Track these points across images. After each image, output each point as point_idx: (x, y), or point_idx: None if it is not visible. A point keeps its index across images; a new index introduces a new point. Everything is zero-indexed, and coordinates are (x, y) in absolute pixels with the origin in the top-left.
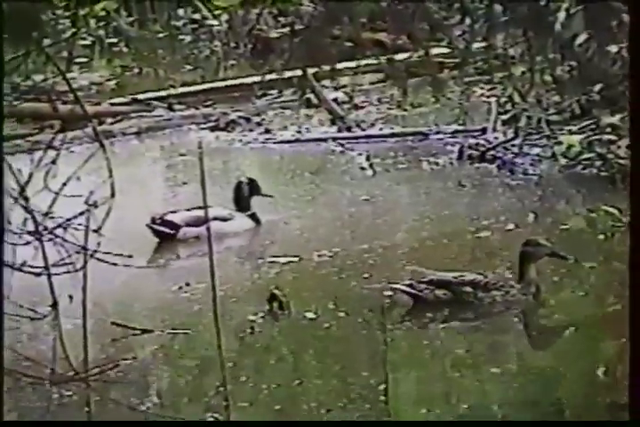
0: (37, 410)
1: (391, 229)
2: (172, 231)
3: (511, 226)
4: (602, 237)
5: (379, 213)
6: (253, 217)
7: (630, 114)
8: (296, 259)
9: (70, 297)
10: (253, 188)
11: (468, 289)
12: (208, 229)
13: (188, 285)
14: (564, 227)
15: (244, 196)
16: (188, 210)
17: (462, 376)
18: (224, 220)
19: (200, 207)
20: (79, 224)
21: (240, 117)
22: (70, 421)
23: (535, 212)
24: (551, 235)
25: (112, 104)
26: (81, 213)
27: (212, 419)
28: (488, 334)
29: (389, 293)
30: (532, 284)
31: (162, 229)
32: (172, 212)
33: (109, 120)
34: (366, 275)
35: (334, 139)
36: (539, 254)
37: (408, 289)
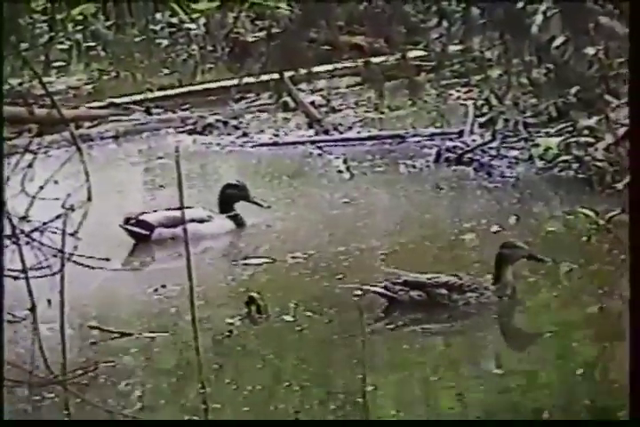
0: (18, 413)
1: (369, 231)
2: (145, 232)
3: (495, 228)
4: (580, 238)
5: (357, 216)
6: (236, 219)
7: (630, 114)
8: (270, 261)
9: (49, 301)
10: (240, 193)
11: (443, 291)
12: (184, 230)
13: (164, 287)
14: (546, 229)
15: (229, 199)
16: (165, 211)
17: (440, 378)
18: (201, 221)
19: (177, 209)
20: (56, 228)
21: (217, 121)
22: (70, 420)
23: (517, 214)
24: (535, 237)
25: (89, 108)
26: (58, 217)
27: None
28: (463, 335)
29: (363, 293)
30: (508, 286)
31: (135, 229)
32: (146, 212)
33: (87, 124)
34: (340, 276)
35: (312, 142)
36: (515, 257)
37: (382, 291)
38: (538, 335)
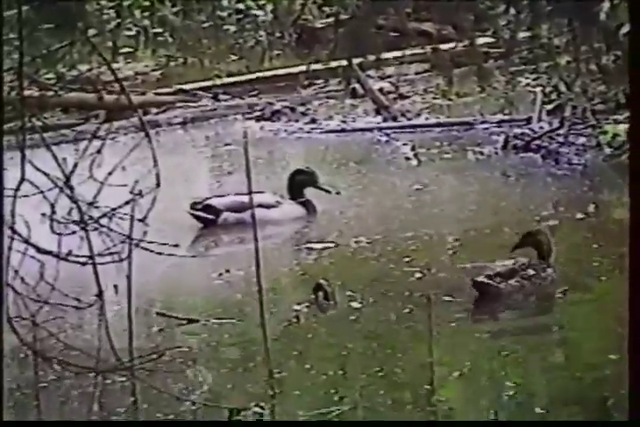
0: (85, 397)
1: (440, 218)
2: (211, 216)
3: (579, 215)
4: None
5: (426, 203)
6: (306, 205)
7: (630, 114)
8: (333, 245)
9: (115, 287)
10: (309, 179)
11: (531, 272)
12: (252, 214)
13: (227, 271)
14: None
15: (298, 185)
16: (232, 195)
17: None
18: (269, 206)
19: (245, 194)
20: (124, 214)
21: (285, 107)
22: (70, 420)
23: (595, 202)
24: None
25: (157, 94)
26: (126, 203)
27: (257, 409)
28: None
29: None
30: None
31: (201, 214)
32: (213, 197)
33: (154, 110)
34: (407, 259)
35: (379, 129)
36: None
37: (488, 281)
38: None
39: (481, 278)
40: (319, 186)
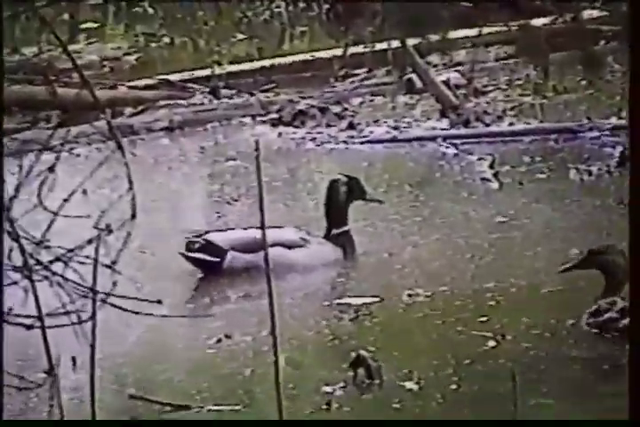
0: None
1: (530, 261)
2: (214, 259)
3: None
4: None
5: (510, 241)
6: (343, 243)
7: (630, 113)
8: (378, 300)
9: (74, 359)
10: (354, 190)
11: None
12: (266, 257)
13: (228, 337)
14: None
15: (339, 201)
16: (238, 230)
17: None
18: (290, 246)
19: (258, 227)
20: (86, 257)
21: (313, 107)
22: (70, 420)
23: None
24: None
25: (132, 88)
26: (89, 242)
27: None
28: None
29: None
30: None
31: (199, 255)
32: (212, 231)
33: (129, 111)
34: (483, 318)
35: (445, 137)
36: None
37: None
38: None
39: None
40: (370, 198)
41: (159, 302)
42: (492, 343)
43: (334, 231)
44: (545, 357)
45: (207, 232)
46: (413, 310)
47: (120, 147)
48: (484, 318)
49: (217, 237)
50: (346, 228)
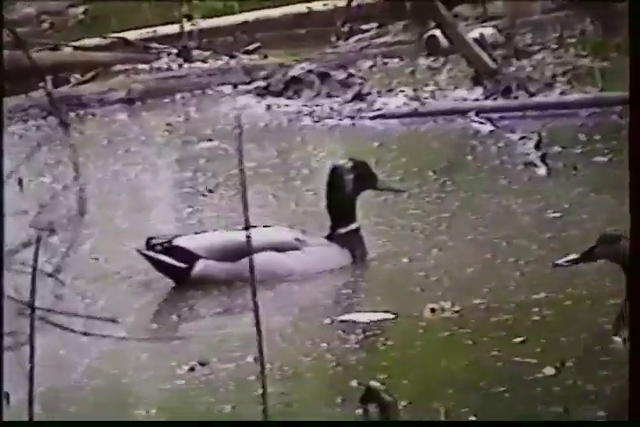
0: None
1: (592, 267)
2: (181, 264)
3: None
4: None
5: (565, 242)
6: (351, 245)
7: (630, 113)
8: (392, 317)
9: (7, 396)
10: (363, 177)
11: None
12: (250, 262)
13: (203, 365)
14: None
15: (344, 192)
16: (216, 231)
17: None
18: (283, 249)
19: (245, 228)
20: (21, 264)
21: (310, 73)
22: (71, 421)
23: None
24: None
25: (78, 48)
26: (25, 245)
27: None
28: None
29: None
30: None
31: (165, 259)
32: (183, 235)
33: (76, 78)
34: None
35: (478, 111)
36: None
37: None
38: None
39: None
40: (382, 186)
41: (114, 320)
42: (549, 371)
43: (340, 230)
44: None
45: (176, 236)
46: (437, 328)
47: (64, 124)
48: (523, 339)
49: (186, 241)
50: (354, 225)
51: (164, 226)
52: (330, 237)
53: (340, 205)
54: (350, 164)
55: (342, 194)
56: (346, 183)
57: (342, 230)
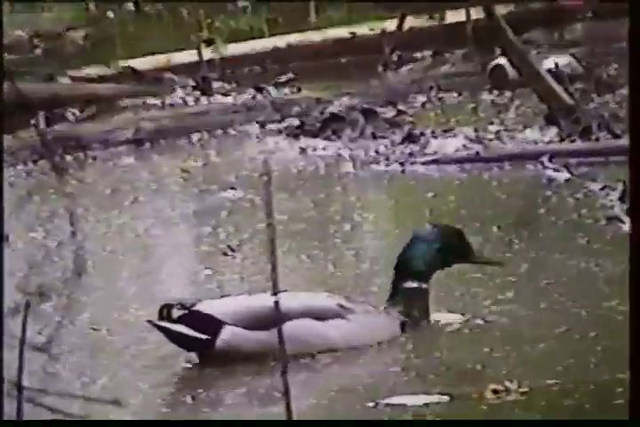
0: None
1: None
2: (204, 336)
3: None
4: None
5: None
6: (407, 309)
7: (630, 113)
8: (450, 398)
9: None
10: (454, 249)
11: None
12: (280, 333)
13: None
14: None
15: (425, 265)
16: (241, 296)
17: None
18: (322, 317)
19: (274, 293)
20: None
21: (352, 109)
22: (71, 420)
23: None
24: None
25: (77, 79)
26: (12, 312)
27: None
28: None
29: None
30: None
31: (184, 330)
32: (204, 300)
33: (75, 114)
34: None
35: (552, 155)
36: None
37: None
38: None
39: None
40: (478, 259)
41: (117, 402)
42: None
43: (404, 285)
44: None
45: (196, 302)
46: (501, 412)
47: (59, 169)
48: None
49: (210, 307)
50: (424, 285)
51: (178, 291)
52: (391, 298)
53: (412, 272)
54: (435, 232)
55: (420, 267)
56: (427, 257)
57: (407, 286)
